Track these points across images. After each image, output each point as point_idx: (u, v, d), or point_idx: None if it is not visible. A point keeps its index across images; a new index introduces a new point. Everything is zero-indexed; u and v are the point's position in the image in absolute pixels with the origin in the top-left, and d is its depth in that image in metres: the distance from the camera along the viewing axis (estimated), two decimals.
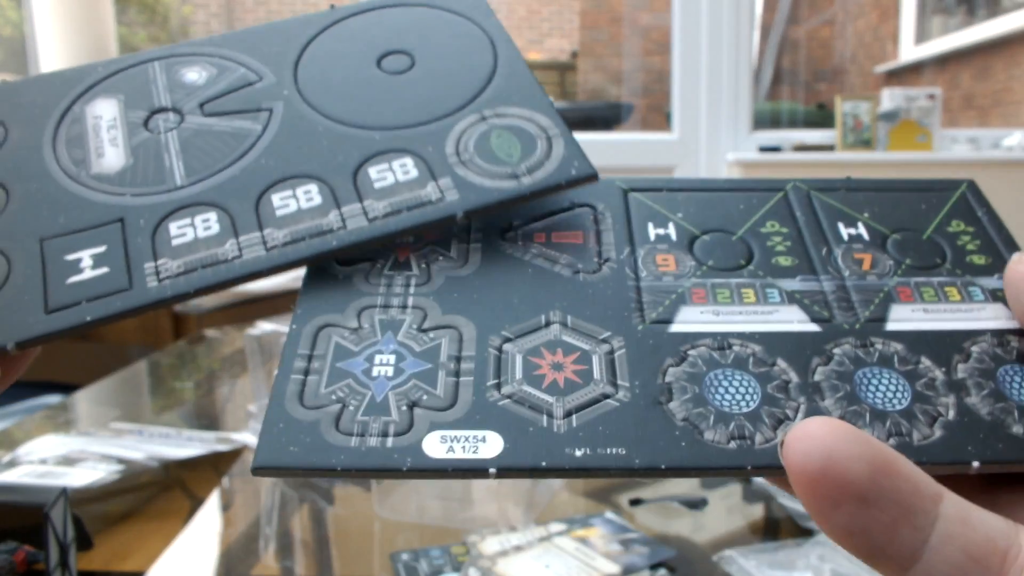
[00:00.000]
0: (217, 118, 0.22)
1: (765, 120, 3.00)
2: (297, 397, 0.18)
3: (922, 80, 3.57)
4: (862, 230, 0.22)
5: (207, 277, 0.19)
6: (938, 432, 0.17)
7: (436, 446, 0.17)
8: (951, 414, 0.18)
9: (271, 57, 0.24)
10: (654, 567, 0.54)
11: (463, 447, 0.17)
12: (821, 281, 0.21)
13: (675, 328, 0.20)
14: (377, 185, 0.21)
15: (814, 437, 0.14)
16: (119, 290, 0.19)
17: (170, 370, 1.14)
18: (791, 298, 0.20)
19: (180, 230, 0.20)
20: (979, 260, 0.21)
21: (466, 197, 0.21)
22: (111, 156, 0.22)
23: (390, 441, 0.17)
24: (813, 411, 0.18)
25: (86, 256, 0.20)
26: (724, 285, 0.21)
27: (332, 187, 0.20)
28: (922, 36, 3.58)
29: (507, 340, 0.19)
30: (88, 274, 0.19)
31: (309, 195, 0.20)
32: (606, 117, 3.53)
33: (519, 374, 0.18)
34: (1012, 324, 0.20)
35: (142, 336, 1.93)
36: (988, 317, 0.20)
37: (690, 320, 0.20)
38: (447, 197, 0.21)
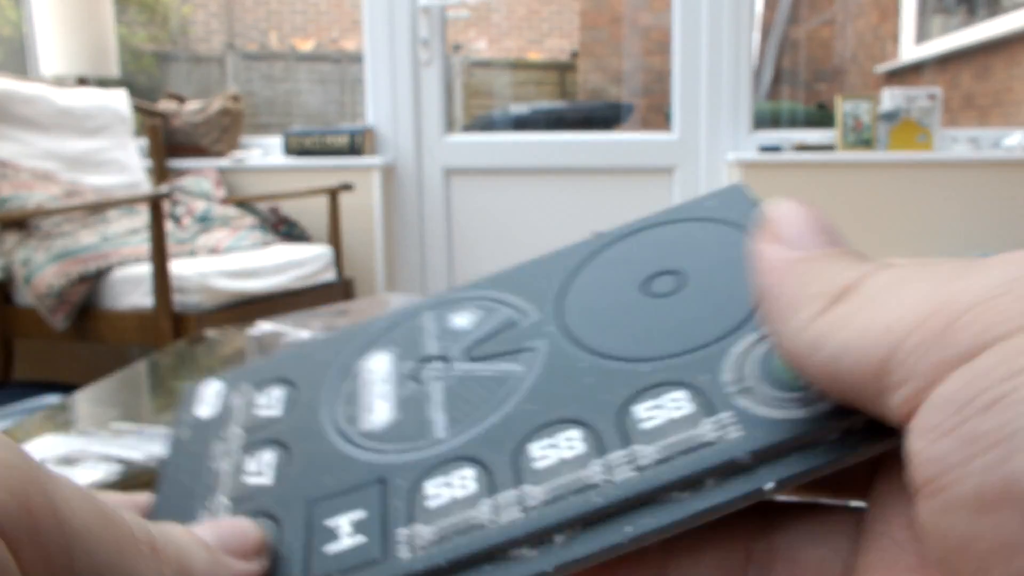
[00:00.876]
0: (482, 363, 0.21)
1: (765, 120, 3.00)
2: None
3: (922, 80, 3.57)
4: None
5: (461, 546, 0.17)
6: None
7: None
8: None
9: (536, 293, 0.23)
10: None
11: None
12: None
13: None
14: (644, 426, 0.18)
15: None
16: (372, 561, 0.18)
17: (170, 370, 1.14)
18: None
19: (437, 490, 0.19)
20: None
21: (751, 434, 0.17)
22: (379, 411, 0.21)
23: None
24: None
25: (345, 522, 0.19)
26: None
27: (596, 431, 0.18)
28: (922, 36, 3.58)
29: None
30: (345, 542, 0.19)
31: (571, 443, 0.18)
32: (606, 117, 3.54)
33: None
34: None
35: (142, 336, 1.93)
36: None
37: None
38: (728, 435, 0.17)
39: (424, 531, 0.18)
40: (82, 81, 2.52)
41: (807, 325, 0.15)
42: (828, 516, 0.17)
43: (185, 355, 1.24)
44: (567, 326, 0.21)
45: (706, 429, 0.17)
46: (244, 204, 2.53)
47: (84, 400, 0.96)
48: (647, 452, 0.17)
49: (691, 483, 0.17)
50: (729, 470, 0.16)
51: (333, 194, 2.41)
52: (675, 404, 0.18)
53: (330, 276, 2.34)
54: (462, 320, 0.23)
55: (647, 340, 0.20)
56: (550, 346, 0.21)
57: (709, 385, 0.18)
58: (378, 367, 0.23)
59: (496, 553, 0.17)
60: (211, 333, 1.34)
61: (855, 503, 0.18)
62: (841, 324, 0.14)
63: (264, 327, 0.71)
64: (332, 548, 0.18)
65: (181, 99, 2.74)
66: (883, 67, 3.78)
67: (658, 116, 3.22)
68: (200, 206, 2.43)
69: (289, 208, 2.58)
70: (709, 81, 2.62)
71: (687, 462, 0.17)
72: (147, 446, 0.72)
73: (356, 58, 2.93)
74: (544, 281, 0.23)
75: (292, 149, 2.68)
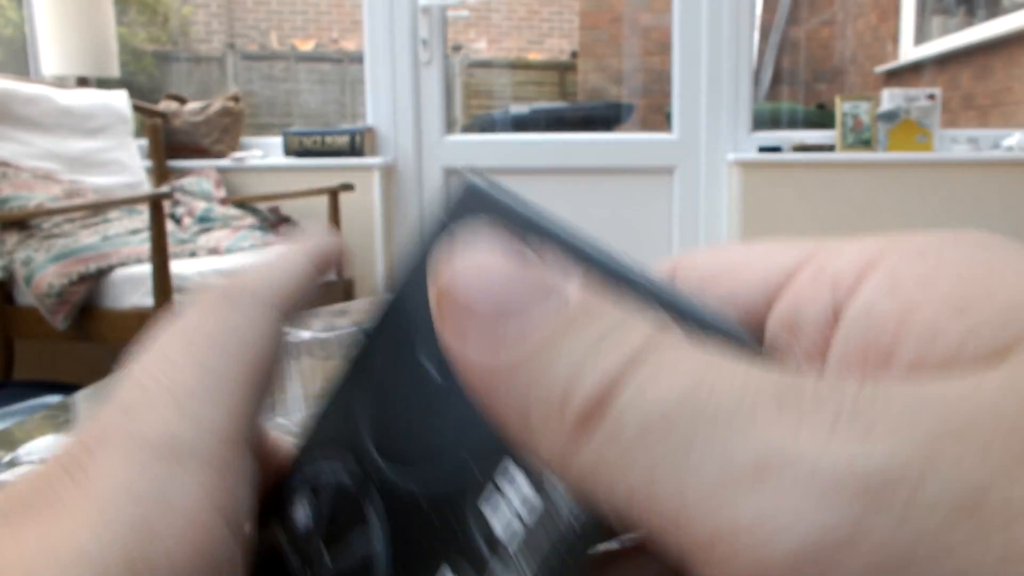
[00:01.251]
0: (342, 558, 0.19)
1: (765, 120, 3.00)
2: None
3: (922, 80, 3.57)
4: None
5: None
6: None
7: None
8: None
9: (346, 435, 0.19)
10: None
11: None
12: None
13: None
14: (502, 532, 0.15)
15: None
16: None
17: None
18: None
19: None
20: None
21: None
22: None
23: None
24: None
25: None
26: None
27: (466, 559, 0.16)
28: (922, 36, 3.59)
29: None
30: None
31: None
32: (606, 117, 3.54)
33: None
34: None
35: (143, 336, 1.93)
36: None
37: None
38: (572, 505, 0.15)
39: None
40: (83, 81, 2.52)
41: (563, 455, 0.11)
42: None
43: None
44: (383, 452, 0.18)
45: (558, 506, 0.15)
46: (244, 204, 2.53)
47: (84, 400, 0.97)
48: (525, 567, 0.15)
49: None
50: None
51: (333, 194, 2.41)
52: (516, 491, 0.15)
53: (330, 276, 2.34)
54: (300, 515, 0.20)
55: (461, 426, 0.17)
56: (383, 497, 0.18)
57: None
58: None
59: None
60: None
61: None
62: (606, 469, 0.11)
63: None
64: None
65: (181, 99, 2.74)
66: (883, 67, 3.78)
67: (658, 116, 3.22)
68: (200, 206, 2.43)
69: (289, 208, 2.58)
70: (709, 81, 2.62)
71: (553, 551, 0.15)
72: None
73: (356, 58, 2.93)
74: (344, 413, 0.20)
75: (292, 149, 2.68)
